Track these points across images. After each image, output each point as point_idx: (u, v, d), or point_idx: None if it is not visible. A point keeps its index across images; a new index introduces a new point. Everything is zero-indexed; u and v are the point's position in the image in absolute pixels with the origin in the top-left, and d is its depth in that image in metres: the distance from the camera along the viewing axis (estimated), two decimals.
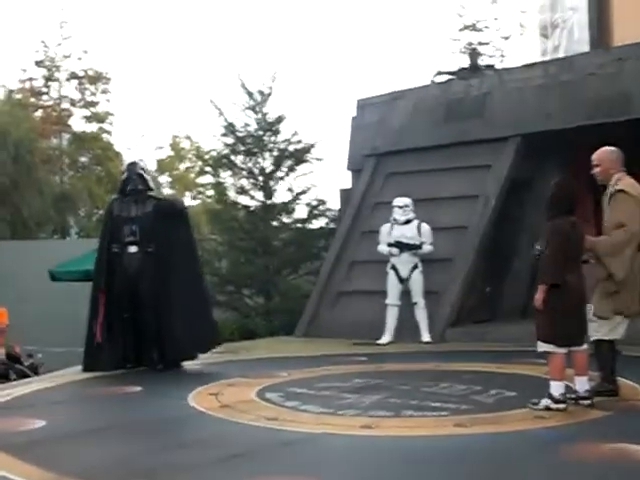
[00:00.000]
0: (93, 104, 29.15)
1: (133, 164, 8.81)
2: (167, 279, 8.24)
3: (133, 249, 8.32)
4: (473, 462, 4.19)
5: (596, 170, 5.77)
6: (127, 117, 47.71)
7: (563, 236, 5.34)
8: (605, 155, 5.78)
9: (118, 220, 8.45)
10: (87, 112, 29.11)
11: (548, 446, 4.46)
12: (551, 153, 10.82)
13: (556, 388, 5.25)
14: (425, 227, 10.48)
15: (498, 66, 16.75)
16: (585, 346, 5.43)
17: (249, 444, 4.69)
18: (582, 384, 5.39)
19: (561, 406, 5.23)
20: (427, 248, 10.42)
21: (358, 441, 4.77)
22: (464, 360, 8.17)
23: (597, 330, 5.58)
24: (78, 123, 29.12)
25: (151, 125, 48.81)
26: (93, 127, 29.22)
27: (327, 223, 14.21)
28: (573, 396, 5.38)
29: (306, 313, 11.77)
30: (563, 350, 5.31)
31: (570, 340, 5.33)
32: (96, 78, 28.78)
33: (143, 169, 8.79)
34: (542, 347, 5.36)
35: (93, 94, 29.05)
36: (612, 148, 5.83)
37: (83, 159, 29.04)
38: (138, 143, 39.00)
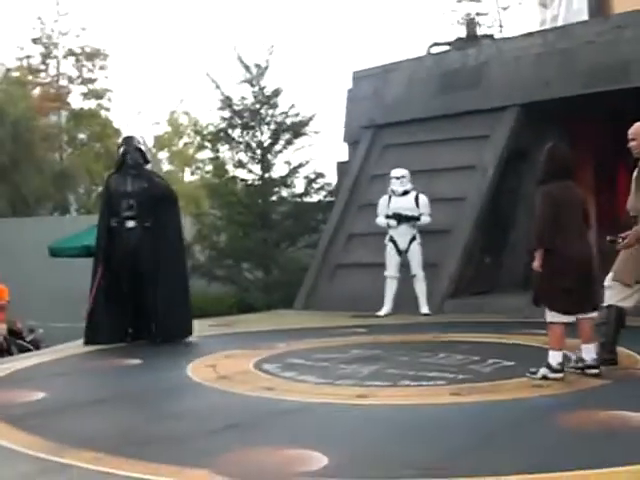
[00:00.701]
0: (91, 81, 29.04)
1: (130, 138, 8.80)
2: (160, 259, 8.25)
3: (131, 224, 8.31)
4: (468, 429, 4.19)
5: (632, 144, 5.73)
6: (125, 93, 47.46)
7: (550, 200, 5.28)
8: None
9: (116, 195, 8.44)
10: (85, 89, 29.03)
11: (545, 414, 4.45)
12: (549, 124, 10.74)
13: (554, 357, 5.23)
14: (423, 198, 10.45)
15: (496, 37, 16.60)
16: (590, 314, 5.34)
17: (245, 414, 4.71)
18: (589, 352, 5.33)
19: (559, 375, 5.21)
20: (425, 219, 10.40)
21: (354, 410, 4.77)
22: (463, 331, 8.17)
23: (611, 297, 5.53)
24: (76, 100, 29.11)
25: (149, 101, 48.55)
26: (91, 104, 29.19)
27: (325, 196, 14.19)
28: (580, 365, 5.35)
29: (305, 286, 11.79)
30: (567, 318, 5.25)
31: (574, 308, 5.25)
32: (93, 55, 28.64)
33: (140, 143, 8.77)
34: (548, 315, 5.29)
35: (91, 71, 28.97)
36: None
37: (82, 136, 28.93)
38: (136, 119, 38.86)
